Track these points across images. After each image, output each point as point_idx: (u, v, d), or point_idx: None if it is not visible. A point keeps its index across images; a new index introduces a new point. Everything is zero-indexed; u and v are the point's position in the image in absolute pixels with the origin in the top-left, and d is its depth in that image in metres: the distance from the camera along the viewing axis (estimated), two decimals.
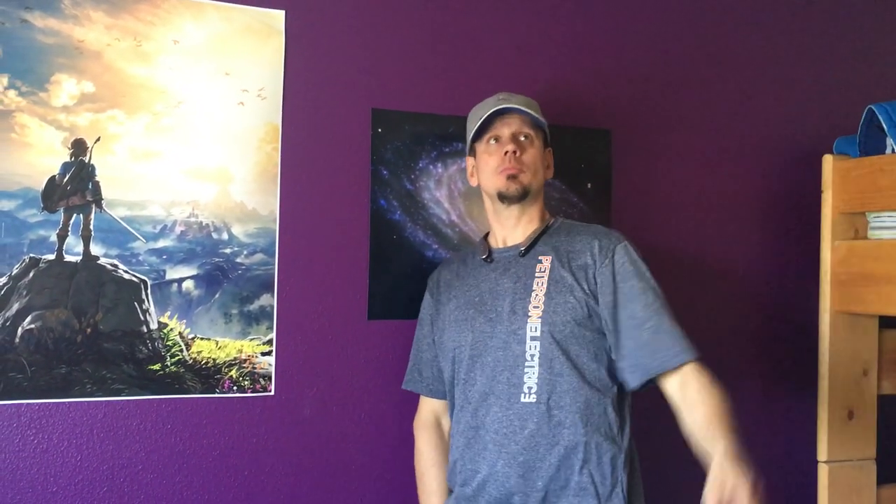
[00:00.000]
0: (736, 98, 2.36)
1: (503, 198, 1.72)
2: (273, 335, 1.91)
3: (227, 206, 1.88)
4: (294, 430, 1.92)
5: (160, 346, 1.82)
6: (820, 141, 2.29)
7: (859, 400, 2.20)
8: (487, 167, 1.74)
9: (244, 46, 1.89)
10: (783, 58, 2.41)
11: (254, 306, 1.89)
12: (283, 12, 1.92)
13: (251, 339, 1.89)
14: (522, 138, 1.73)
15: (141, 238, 1.82)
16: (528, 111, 1.73)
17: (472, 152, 1.81)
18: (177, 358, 1.83)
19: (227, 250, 1.88)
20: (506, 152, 1.70)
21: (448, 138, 2.05)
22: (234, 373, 1.87)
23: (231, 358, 1.87)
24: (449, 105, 2.05)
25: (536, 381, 1.60)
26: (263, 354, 1.90)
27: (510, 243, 1.76)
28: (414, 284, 1.92)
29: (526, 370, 1.61)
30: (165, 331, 1.82)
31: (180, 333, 1.84)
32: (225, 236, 1.88)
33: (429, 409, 1.85)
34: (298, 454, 1.92)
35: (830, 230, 2.19)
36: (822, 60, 2.45)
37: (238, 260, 1.89)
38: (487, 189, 1.77)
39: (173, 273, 1.84)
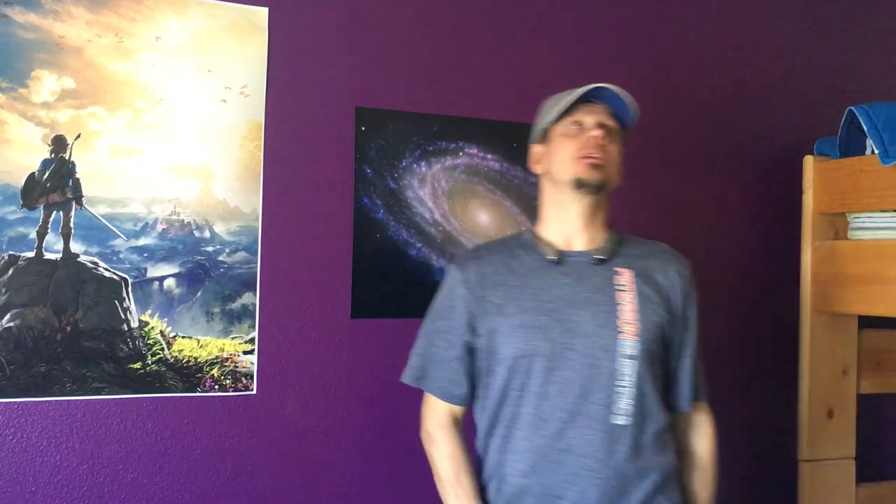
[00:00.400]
0: (718, 100, 2.37)
1: (581, 185, 1.53)
2: (255, 334, 1.90)
3: (209, 203, 1.87)
4: (276, 428, 1.91)
5: (141, 344, 1.81)
6: (801, 142, 2.31)
7: (839, 399, 2.22)
8: (564, 150, 1.55)
9: (227, 43, 1.88)
10: (765, 60, 2.43)
11: (236, 305, 1.89)
12: (266, 9, 1.92)
13: (233, 338, 1.88)
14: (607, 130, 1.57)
15: (122, 236, 1.80)
16: (623, 96, 1.55)
17: (544, 139, 1.63)
18: (158, 357, 1.82)
19: (209, 248, 1.87)
20: (591, 137, 1.53)
21: (432, 137, 2.05)
22: (215, 371, 1.86)
23: (213, 357, 1.86)
24: (433, 104, 2.06)
25: (630, 401, 1.50)
26: (245, 353, 1.89)
27: (577, 248, 1.58)
28: (397, 283, 1.92)
29: (618, 389, 1.49)
30: (146, 329, 1.81)
31: (161, 332, 1.82)
32: (207, 234, 1.87)
33: (446, 410, 1.61)
34: (280, 453, 1.91)
35: (811, 231, 2.20)
36: (804, 63, 2.48)
37: (220, 258, 1.88)
38: (560, 175, 1.56)
39: (154, 271, 1.83)
